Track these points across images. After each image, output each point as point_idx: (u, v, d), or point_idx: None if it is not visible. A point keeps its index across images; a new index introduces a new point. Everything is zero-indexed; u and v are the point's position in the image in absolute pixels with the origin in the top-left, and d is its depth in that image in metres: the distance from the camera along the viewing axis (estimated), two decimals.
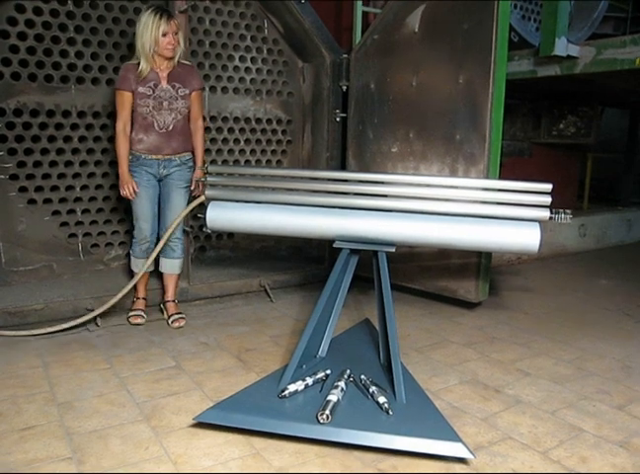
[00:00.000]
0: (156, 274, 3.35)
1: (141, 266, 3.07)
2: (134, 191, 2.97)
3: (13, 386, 2.36)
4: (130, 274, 3.27)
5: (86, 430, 2.03)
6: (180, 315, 3.17)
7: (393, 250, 2.48)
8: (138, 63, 2.90)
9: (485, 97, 3.13)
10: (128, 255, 3.29)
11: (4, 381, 2.40)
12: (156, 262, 3.24)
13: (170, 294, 3.25)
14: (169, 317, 3.17)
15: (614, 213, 6.22)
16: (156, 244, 3.09)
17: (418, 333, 3.14)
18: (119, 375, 2.49)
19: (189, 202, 3.01)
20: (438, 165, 3.42)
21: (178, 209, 3.05)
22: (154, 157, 3.00)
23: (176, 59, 2.99)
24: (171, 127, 3.00)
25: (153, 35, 2.84)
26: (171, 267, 3.22)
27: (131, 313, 3.16)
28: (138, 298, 3.23)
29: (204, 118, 3.79)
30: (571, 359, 2.81)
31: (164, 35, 2.86)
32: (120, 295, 2.98)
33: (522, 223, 2.42)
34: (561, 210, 2.41)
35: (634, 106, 6.63)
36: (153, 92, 2.93)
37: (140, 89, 2.91)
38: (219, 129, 3.91)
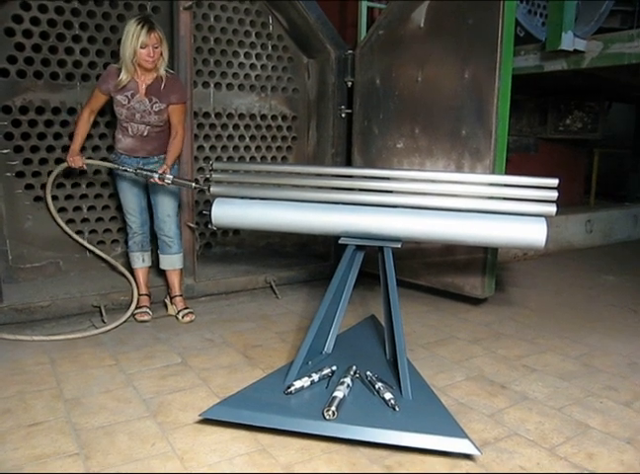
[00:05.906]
0: (157, 271, 3.36)
1: (136, 259, 3.19)
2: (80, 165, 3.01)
3: (20, 382, 2.37)
4: (132, 271, 3.29)
5: (93, 426, 2.04)
6: (188, 310, 3.20)
7: (399, 246, 2.47)
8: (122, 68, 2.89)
9: (491, 92, 3.11)
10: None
11: (12, 378, 2.41)
12: (157, 259, 3.28)
13: (176, 289, 3.26)
14: (178, 312, 3.18)
15: (621, 209, 6.18)
16: (150, 237, 3.21)
17: (424, 329, 3.14)
18: (125, 372, 2.50)
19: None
20: (443, 161, 3.41)
21: (166, 202, 3.10)
22: (132, 156, 3.04)
23: (160, 71, 2.92)
24: (145, 133, 3.01)
25: (132, 45, 2.80)
26: (170, 263, 3.24)
27: (137, 310, 3.16)
28: (141, 295, 3.24)
29: (210, 115, 3.80)
30: (577, 356, 2.80)
31: (143, 46, 2.80)
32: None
33: (529, 219, 2.41)
34: None
35: None
36: (128, 102, 2.92)
37: (117, 96, 2.92)
38: (224, 126, 3.90)
